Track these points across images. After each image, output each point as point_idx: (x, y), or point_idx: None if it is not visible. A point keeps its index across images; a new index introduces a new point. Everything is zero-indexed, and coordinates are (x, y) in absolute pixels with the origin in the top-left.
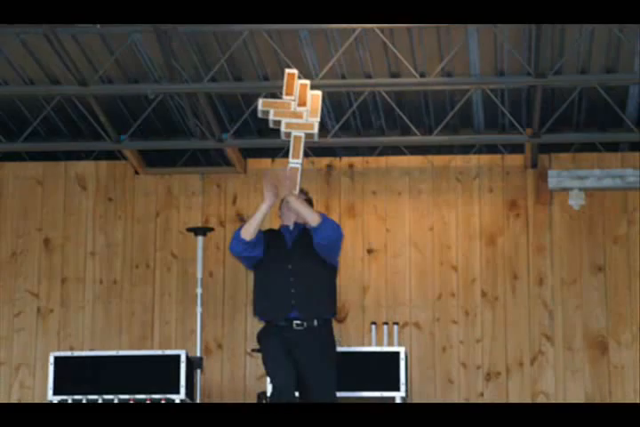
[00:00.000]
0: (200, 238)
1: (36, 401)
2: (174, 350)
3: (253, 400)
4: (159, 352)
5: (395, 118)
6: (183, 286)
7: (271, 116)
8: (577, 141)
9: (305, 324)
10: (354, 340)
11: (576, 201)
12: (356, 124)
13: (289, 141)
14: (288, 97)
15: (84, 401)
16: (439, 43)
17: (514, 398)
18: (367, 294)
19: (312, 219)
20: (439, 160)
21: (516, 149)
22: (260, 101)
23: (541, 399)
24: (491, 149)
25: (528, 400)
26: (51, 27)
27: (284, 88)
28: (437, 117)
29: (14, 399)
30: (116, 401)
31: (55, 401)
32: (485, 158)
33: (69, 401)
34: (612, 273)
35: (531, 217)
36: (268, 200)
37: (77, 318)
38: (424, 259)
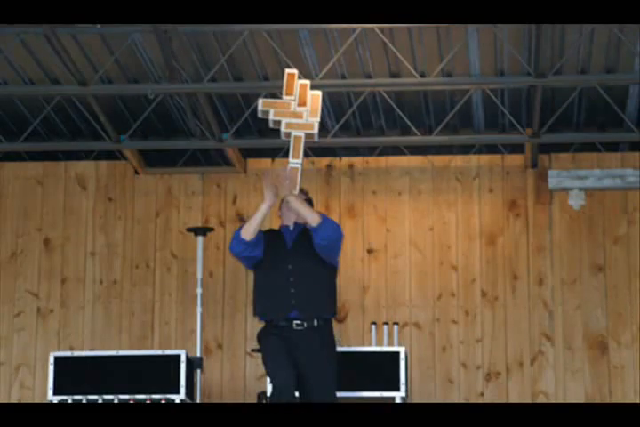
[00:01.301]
0: (200, 238)
1: (36, 401)
2: (174, 350)
3: (253, 400)
4: (159, 352)
5: (395, 118)
6: (183, 286)
7: (271, 116)
8: (577, 141)
9: (305, 324)
10: (354, 340)
11: (576, 201)
12: (355, 124)
13: (289, 141)
14: (288, 97)
15: (84, 401)
16: (439, 43)
17: (514, 398)
18: (367, 294)
19: (312, 219)
20: (439, 160)
21: (516, 149)
22: (260, 101)
23: (541, 399)
24: (491, 149)
25: (528, 400)
26: (51, 27)
27: (284, 88)
28: (437, 117)
29: (14, 399)
30: (116, 401)
31: (55, 401)
32: (485, 158)
33: (69, 401)
34: (612, 273)
35: (531, 217)
36: (268, 200)
37: (77, 318)
38: (424, 259)
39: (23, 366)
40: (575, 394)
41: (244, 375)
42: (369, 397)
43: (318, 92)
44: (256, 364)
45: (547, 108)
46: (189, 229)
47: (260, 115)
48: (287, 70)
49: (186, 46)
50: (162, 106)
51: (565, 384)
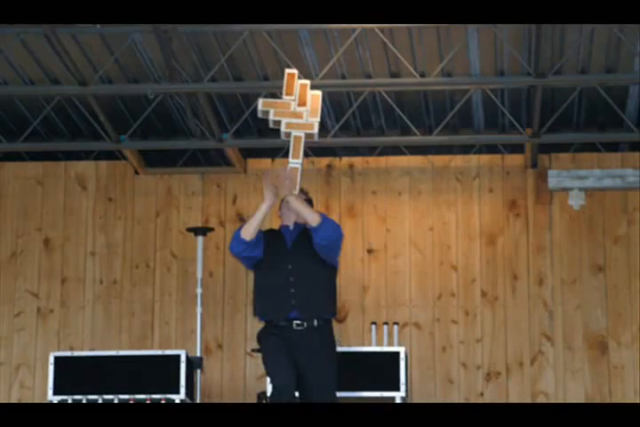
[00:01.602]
0: (200, 238)
1: (36, 401)
2: (174, 350)
3: (253, 400)
4: (159, 352)
5: (395, 118)
6: (183, 286)
7: (271, 116)
8: (577, 141)
9: (305, 324)
10: (354, 340)
11: (576, 201)
12: (355, 124)
13: (289, 141)
14: (288, 97)
15: (84, 401)
16: (439, 43)
17: (514, 398)
18: (367, 294)
19: (312, 219)
20: (439, 160)
21: (516, 149)
22: (260, 101)
23: (541, 399)
24: (491, 149)
25: (528, 400)
26: (51, 27)
27: (284, 88)
28: (437, 117)
29: (14, 399)
30: (116, 401)
31: (55, 401)
32: (485, 158)
33: (69, 401)
34: (612, 273)
35: (531, 217)
36: (268, 200)
37: (77, 318)
38: (424, 259)
39: (23, 366)
40: (575, 394)
41: (244, 375)
42: (369, 397)
43: (318, 92)
44: (256, 364)
45: (547, 108)
46: (189, 229)
47: (260, 115)
48: (287, 70)
49: (186, 46)
50: (162, 106)
51: (565, 384)
